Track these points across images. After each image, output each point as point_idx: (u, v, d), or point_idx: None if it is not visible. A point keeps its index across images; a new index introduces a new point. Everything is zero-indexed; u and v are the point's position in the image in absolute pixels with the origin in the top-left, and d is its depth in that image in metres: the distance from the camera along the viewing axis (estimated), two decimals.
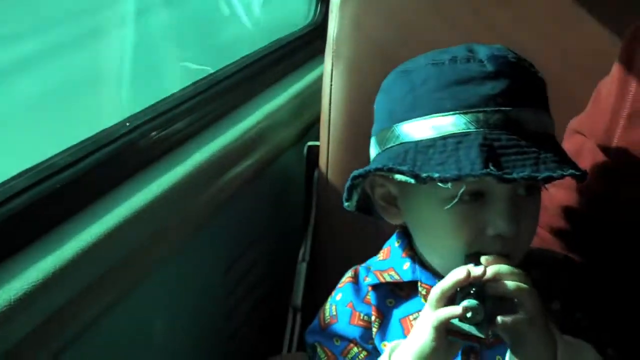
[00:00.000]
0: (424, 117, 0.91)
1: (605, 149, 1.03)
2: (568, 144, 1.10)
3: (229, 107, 1.35)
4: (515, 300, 0.84)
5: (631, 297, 1.07)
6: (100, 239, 0.93)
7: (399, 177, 0.90)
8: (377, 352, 0.97)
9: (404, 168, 0.88)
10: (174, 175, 1.09)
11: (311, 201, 1.38)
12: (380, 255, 1.03)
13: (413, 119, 0.91)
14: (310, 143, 1.39)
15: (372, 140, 0.98)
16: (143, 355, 1.05)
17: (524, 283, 0.85)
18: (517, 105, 0.90)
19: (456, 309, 0.83)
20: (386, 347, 0.92)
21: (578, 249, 1.08)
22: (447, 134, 0.89)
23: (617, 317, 1.00)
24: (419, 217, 0.96)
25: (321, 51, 1.40)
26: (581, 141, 1.08)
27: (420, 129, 0.91)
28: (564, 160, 0.89)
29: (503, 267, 0.86)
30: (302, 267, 1.35)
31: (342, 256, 1.33)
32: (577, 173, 0.88)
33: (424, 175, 0.87)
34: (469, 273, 0.85)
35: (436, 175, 0.86)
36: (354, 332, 0.99)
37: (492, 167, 0.85)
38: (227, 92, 1.37)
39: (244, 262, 1.33)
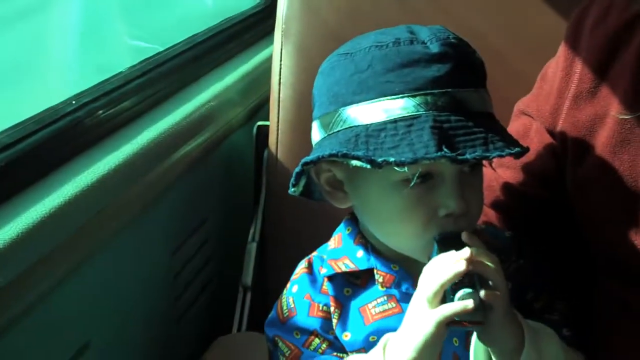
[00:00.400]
0: (372, 101, 0.91)
1: (551, 130, 1.05)
2: (515, 125, 1.11)
3: (178, 86, 1.34)
4: (490, 282, 0.86)
5: (576, 275, 1.09)
6: (47, 217, 0.92)
7: (354, 162, 0.90)
8: (339, 342, 0.97)
9: (359, 153, 0.88)
10: (121, 153, 1.08)
11: (261, 181, 1.39)
12: (332, 243, 1.03)
13: (361, 103, 0.92)
14: (259, 123, 1.38)
15: (315, 124, 0.98)
16: (90, 335, 1.04)
17: (495, 263, 0.87)
18: (461, 85, 0.91)
19: (461, 305, 0.84)
20: (379, 343, 0.92)
21: (523, 227, 1.10)
22: (397, 117, 0.90)
23: (565, 296, 1.01)
24: (368, 201, 0.96)
25: (271, 31, 1.39)
26: (528, 122, 1.09)
27: (369, 112, 0.91)
28: (508, 139, 0.91)
29: (480, 250, 0.88)
30: (252, 247, 1.35)
31: (292, 236, 1.35)
32: (522, 151, 0.90)
33: (380, 160, 0.87)
34: (467, 264, 0.85)
35: (392, 159, 0.87)
36: (314, 323, 0.98)
37: (446, 150, 0.86)
38: (176, 71, 1.36)
39: (194, 241, 1.33)
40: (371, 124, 0.90)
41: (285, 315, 1.00)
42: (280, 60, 1.35)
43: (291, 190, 0.99)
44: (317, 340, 0.98)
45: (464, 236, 0.89)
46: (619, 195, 0.98)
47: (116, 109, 1.16)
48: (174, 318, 1.28)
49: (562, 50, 1.06)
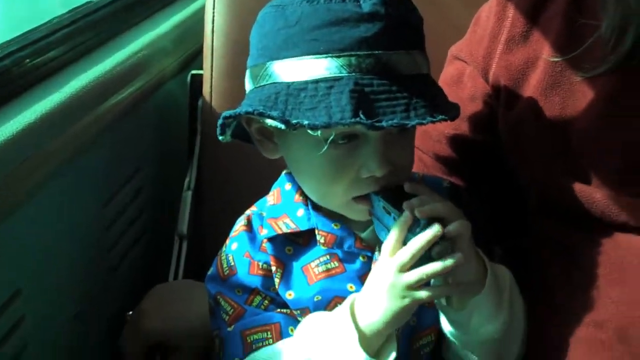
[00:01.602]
0: (296, 58, 0.90)
1: (484, 74, 1.05)
2: (449, 70, 1.12)
3: (110, 35, 1.32)
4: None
5: (512, 216, 1.12)
6: None
7: (269, 121, 0.89)
8: (280, 298, 0.97)
9: (275, 113, 0.87)
10: (49, 102, 1.06)
11: (196, 130, 1.38)
12: (271, 199, 1.02)
13: (286, 59, 0.90)
14: (193, 71, 1.38)
15: (247, 73, 0.97)
16: (20, 283, 1.04)
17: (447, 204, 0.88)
18: (390, 48, 0.89)
19: (430, 233, 0.84)
20: (344, 303, 0.91)
21: (460, 172, 1.11)
22: (319, 77, 0.89)
23: (501, 240, 1.04)
24: (295, 156, 0.96)
25: None
26: (461, 67, 1.10)
27: (292, 70, 0.90)
28: (435, 104, 0.90)
29: (428, 196, 0.88)
30: (188, 196, 1.36)
31: (228, 184, 1.35)
32: (446, 118, 0.89)
33: (294, 121, 0.86)
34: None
35: (305, 122, 0.85)
36: (254, 281, 0.98)
37: (362, 116, 0.85)
38: (107, 20, 1.34)
39: (126, 191, 1.32)
40: (293, 83, 0.90)
41: (225, 273, 1.00)
42: (214, 8, 1.34)
43: (220, 138, 0.97)
44: (258, 298, 0.98)
45: (407, 187, 0.89)
46: (550, 136, 1.00)
47: (44, 57, 1.14)
48: (108, 267, 1.28)
49: None
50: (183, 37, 1.46)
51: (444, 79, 1.11)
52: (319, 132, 0.86)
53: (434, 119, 0.87)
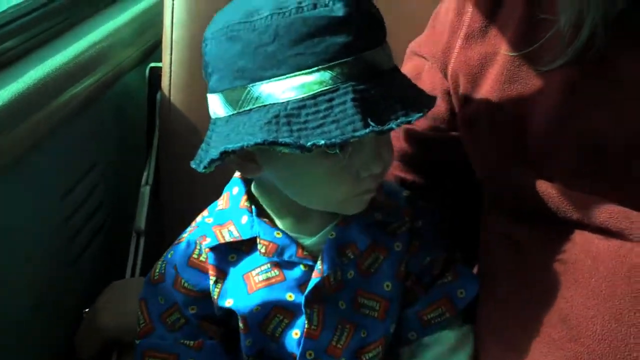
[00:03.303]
0: (285, 77, 0.88)
1: (443, 70, 1.06)
2: (408, 66, 1.12)
3: (67, 25, 1.31)
4: None
5: (467, 212, 1.13)
6: None
7: (281, 149, 0.87)
8: (196, 320, 0.99)
9: (287, 140, 0.85)
10: (5, 92, 1.05)
11: (154, 124, 1.38)
12: (221, 203, 1.02)
13: (272, 78, 0.88)
14: (152, 64, 1.37)
15: (217, 98, 0.93)
16: None
17: None
18: (370, 47, 0.90)
19: None
20: None
21: (420, 169, 1.12)
22: (315, 92, 0.88)
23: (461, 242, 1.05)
24: (288, 171, 0.95)
25: None
26: (420, 63, 1.10)
27: (283, 89, 0.88)
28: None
29: None
30: (146, 191, 1.36)
31: (187, 179, 1.35)
32: (432, 104, 0.91)
33: (309, 144, 0.85)
34: None
35: (322, 142, 0.84)
36: (176, 296, 1.00)
37: (372, 123, 0.85)
38: (65, 10, 1.33)
39: (84, 185, 1.31)
40: (288, 101, 0.87)
41: (155, 278, 1.01)
42: (173, 0, 1.34)
43: (203, 170, 0.93)
44: (176, 314, 1.00)
45: None
46: (506, 132, 1.01)
47: None
48: (66, 262, 1.28)
49: None
50: (143, 28, 1.45)
51: None
52: (337, 149, 0.87)
53: (429, 108, 0.89)
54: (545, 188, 0.96)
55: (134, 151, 1.41)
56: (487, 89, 1.02)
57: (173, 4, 1.33)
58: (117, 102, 1.40)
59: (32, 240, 1.17)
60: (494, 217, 1.05)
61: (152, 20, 1.44)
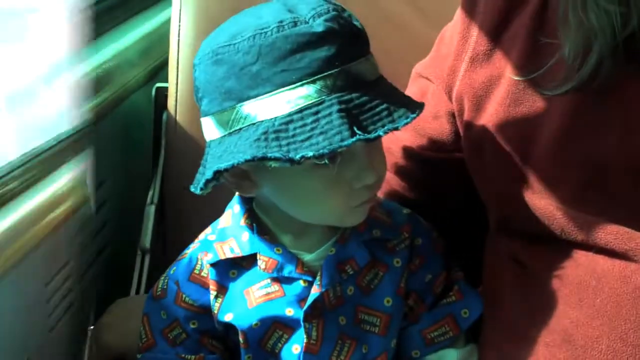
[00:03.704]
0: (271, 94, 0.90)
1: (448, 92, 1.07)
2: (412, 89, 1.13)
3: (48, 170, 1.31)
4: None
5: (471, 233, 1.14)
6: None
7: (271, 163, 0.89)
8: (197, 335, 1.00)
9: (276, 154, 0.87)
10: None
11: (160, 144, 1.39)
12: (223, 221, 1.04)
13: (258, 97, 0.91)
14: (158, 85, 1.38)
15: (210, 121, 0.95)
16: None
17: None
18: (353, 58, 0.91)
19: None
20: None
21: (422, 188, 1.13)
22: (301, 106, 0.90)
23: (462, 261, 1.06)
24: (282, 186, 0.97)
25: None
26: (425, 85, 1.11)
27: (270, 106, 0.90)
28: (406, 101, 0.93)
29: None
30: (151, 209, 1.37)
31: (192, 198, 1.32)
32: (420, 110, 0.93)
33: (297, 157, 0.87)
34: None
35: (310, 154, 0.86)
36: (178, 311, 1.01)
37: (358, 132, 0.87)
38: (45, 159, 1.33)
39: (59, 277, 1.31)
40: (276, 118, 0.89)
41: (158, 294, 1.02)
42: (179, 21, 1.35)
43: (199, 193, 0.95)
44: (178, 329, 1.01)
45: None
46: (510, 154, 1.01)
47: (2, 190, 1.15)
48: (47, 329, 1.28)
49: (459, 13, 1.08)
50: (150, 49, 1.47)
51: None
52: (326, 160, 0.88)
53: (414, 115, 0.90)
54: (551, 210, 0.97)
55: (140, 170, 1.43)
56: (491, 112, 1.02)
57: (179, 25, 1.34)
58: (124, 121, 1.42)
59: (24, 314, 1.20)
60: (498, 238, 1.06)
61: (159, 40, 1.46)
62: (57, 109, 1.32)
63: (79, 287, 1.41)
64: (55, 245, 1.28)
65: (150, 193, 1.38)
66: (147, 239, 1.35)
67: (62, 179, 1.33)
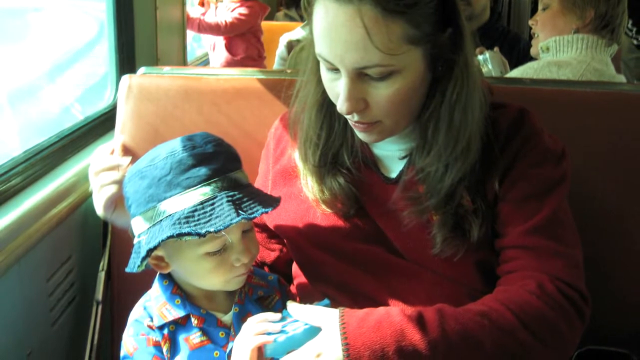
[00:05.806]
0: (180, 194, 1.09)
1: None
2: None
3: (51, 167, 1.63)
4: None
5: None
6: None
7: (185, 237, 1.06)
8: None
9: (189, 230, 1.05)
10: (11, 209, 1.36)
11: (107, 229, 1.68)
12: (153, 292, 1.22)
13: (171, 197, 1.09)
14: None
15: (139, 219, 1.12)
16: None
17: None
18: (233, 170, 1.15)
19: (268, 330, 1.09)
20: None
21: (276, 246, 1.44)
22: (201, 200, 1.09)
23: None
24: (185, 267, 1.17)
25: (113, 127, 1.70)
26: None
27: (180, 202, 1.09)
28: (268, 197, 1.17)
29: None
30: (101, 275, 1.65)
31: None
32: (278, 203, 1.18)
33: (203, 231, 1.05)
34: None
35: (212, 229, 1.05)
36: (152, 351, 1.17)
37: (242, 213, 1.07)
38: (49, 156, 1.64)
39: (62, 270, 1.59)
40: (185, 209, 1.08)
41: (132, 351, 1.19)
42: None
43: (136, 270, 1.12)
44: None
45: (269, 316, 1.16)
46: (291, 220, 1.32)
47: (5, 185, 1.45)
48: (49, 323, 1.53)
49: (268, 141, 1.44)
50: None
51: None
52: (222, 232, 1.08)
53: (276, 205, 1.15)
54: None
55: (97, 246, 1.67)
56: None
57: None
58: (84, 214, 1.67)
59: (26, 307, 1.41)
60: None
61: None
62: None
63: (81, 282, 1.60)
64: (57, 240, 1.50)
65: (102, 263, 1.64)
66: (99, 295, 1.61)
67: (65, 175, 1.54)
